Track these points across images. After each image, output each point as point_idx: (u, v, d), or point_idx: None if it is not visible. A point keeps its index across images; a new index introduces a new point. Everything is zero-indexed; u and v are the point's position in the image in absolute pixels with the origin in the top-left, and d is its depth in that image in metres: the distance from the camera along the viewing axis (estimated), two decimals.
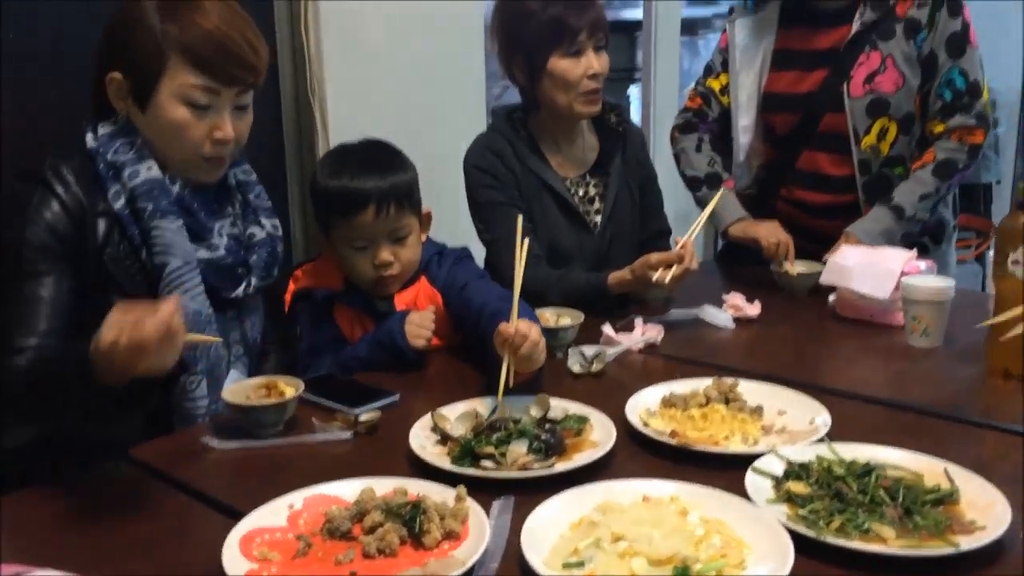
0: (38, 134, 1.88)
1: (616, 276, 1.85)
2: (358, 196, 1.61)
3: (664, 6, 4.11)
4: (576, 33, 1.88)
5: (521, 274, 1.44)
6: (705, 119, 2.31)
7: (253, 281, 1.53)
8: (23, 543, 1.09)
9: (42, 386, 1.24)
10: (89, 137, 1.42)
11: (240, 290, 1.50)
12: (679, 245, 1.80)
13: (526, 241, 1.46)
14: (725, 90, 2.25)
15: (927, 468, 1.13)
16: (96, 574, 0.87)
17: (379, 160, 1.66)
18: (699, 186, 2.25)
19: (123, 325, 1.06)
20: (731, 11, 2.24)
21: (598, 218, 2.05)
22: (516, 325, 1.36)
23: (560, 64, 1.89)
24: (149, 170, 1.40)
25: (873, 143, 2.05)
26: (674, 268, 1.76)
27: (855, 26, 2.03)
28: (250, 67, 1.41)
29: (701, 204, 2.22)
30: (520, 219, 1.51)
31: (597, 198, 2.07)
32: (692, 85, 2.37)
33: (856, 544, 0.97)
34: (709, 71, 2.30)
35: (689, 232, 1.85)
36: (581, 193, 2.06)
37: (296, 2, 2.39)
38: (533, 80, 1.94)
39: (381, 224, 1.62)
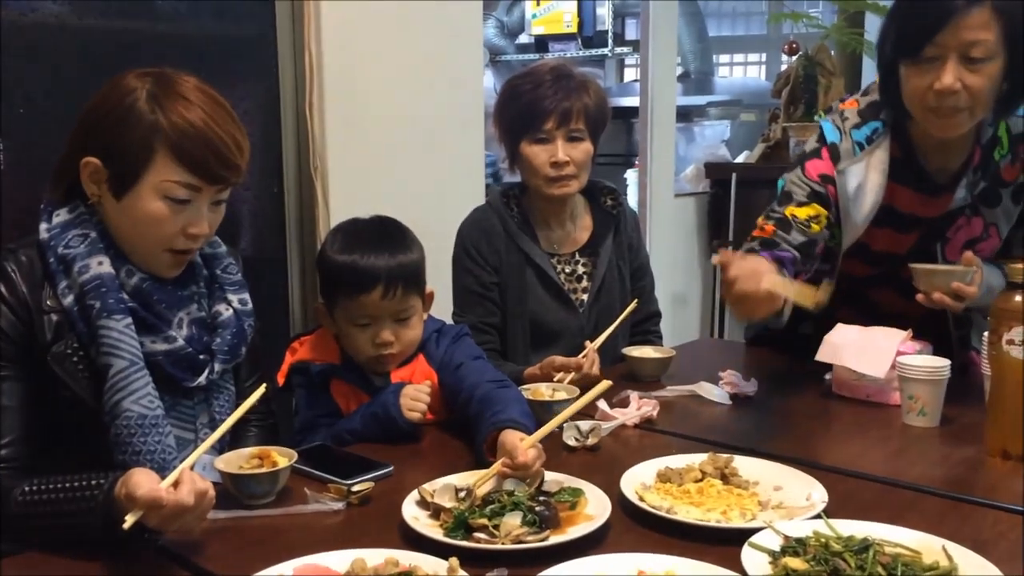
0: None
1: (530, 371, 1.91)
2: (367, 275, 1.61)
3: (660, 94, 4.22)
4: (543, 121, 1.97)
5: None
6: (775, 248, 1.81)
7: (216, 367, 1.48)
8: None
9: (40, 517, 1.21)
10: (43, 227, 1.39)
11: (203, 378, 1.46)
12: (584, 352, 1.88)
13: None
14: (814, 220, 1.85)
15: (925, 546, 1.12)
16: None
17: (390, 239, 1.66)
18: None
19: (165, 518, 1.12)
20: (830, 149, 1.86)
21: (584, 296, 2.09)
22: (527, 452, 1.30)
23: (528, 149, 2.01)
24: (100, 265, 1.36)
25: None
26: (572, 374, 1.82)
27: (960, 191, 1.81)
28: (234, 167, 1.39)
29: None
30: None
31: (585, 277, 2.11)
32: (764, 216, 1.91)
33: None
34: (788, 198, 1.88)
35: (596, 341, 1.94)
36: (568, 271, 2.10)
37: (301, 80, 2.46)
38: (512, 161, 2.08)
39: (387, 304, 1.62)
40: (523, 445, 1.32)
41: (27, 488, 1.22)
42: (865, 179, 1.84)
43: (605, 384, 1.41)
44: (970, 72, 1.63)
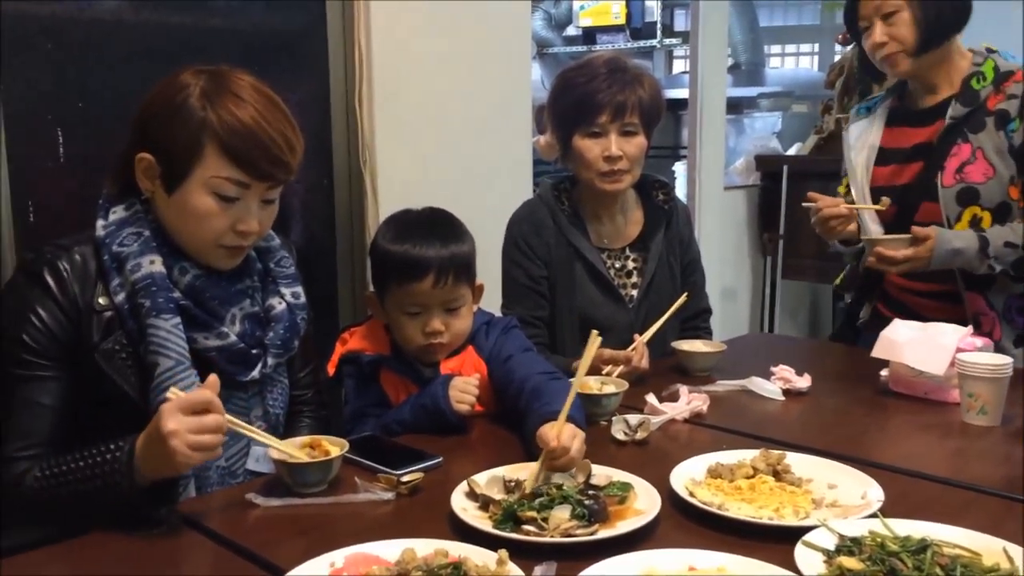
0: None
1: (576, 364, 1.86)
2: (419, 263, 1.62)
3: (710, 85, 4.17)
4: (597, 114, 1.95)
5: (581, 377, 1.42)
6: None
7: (269, 360, 1.49)
8: None
9: (65, 493, 1.26)
10: (99, 224, 1.41)
11: (256, 371, 1.47)
12: (633, 345, 1.86)
13: (595, 345, 1.43)
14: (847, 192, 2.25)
15: (985, 547, 1.09)
16: None
17: (442, 229, 1.67)
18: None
19: (184, 427, 1.17)
20: (849, 119, 2.31)
21: (634, 292, 2.07)
22: (561, 436, 1.32)
23: (581, 143, 1.99)
24: (152, 264, 1.38)
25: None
26: (621, 367, 1.81)
27: (947, 120, 2.04)
28: (284, 165, 1.39)
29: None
30: (596, 338, 1.44)
31: (635, 272, 2.09)
32: None
33: None
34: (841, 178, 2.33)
35: (646, 334, 1.91)
36: (618, 266, 2.09)
37: (351, 74, 2.48)
38: (564, 155, 2.05)
39: (438, 293, 1.63)
40: (552, 432, 1.32)
41: (46, 465, 1.28)
42: (865, 129, 2.23)
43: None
44: (888, 26, 2.03)
